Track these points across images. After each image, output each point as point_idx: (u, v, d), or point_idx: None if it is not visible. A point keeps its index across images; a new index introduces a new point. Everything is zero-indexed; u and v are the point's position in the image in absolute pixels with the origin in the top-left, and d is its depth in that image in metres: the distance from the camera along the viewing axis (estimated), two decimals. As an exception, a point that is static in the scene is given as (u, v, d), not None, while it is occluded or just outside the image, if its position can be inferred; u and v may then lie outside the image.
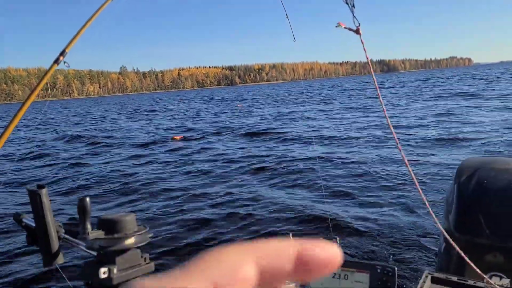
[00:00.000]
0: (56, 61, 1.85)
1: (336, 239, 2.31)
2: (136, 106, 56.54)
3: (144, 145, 14.79)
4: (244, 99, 49.69)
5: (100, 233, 1.20)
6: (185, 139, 15.80)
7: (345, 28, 1.73)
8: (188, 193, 7.37)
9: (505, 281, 1.86)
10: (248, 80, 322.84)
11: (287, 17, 2.95)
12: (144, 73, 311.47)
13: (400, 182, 7.01)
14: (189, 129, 19.19)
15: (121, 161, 11.83)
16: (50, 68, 1.87)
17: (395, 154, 8.86)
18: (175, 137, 16.19)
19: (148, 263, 1.41)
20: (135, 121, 27.92)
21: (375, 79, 2.03)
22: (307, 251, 0.25)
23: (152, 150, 13.69)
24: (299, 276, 0.25)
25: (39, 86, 1.85)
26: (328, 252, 0.25)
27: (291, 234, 2.45)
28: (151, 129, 20.74)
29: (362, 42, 1.81)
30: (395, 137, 1.97)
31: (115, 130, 21.71)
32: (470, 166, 2.07)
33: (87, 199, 1.36)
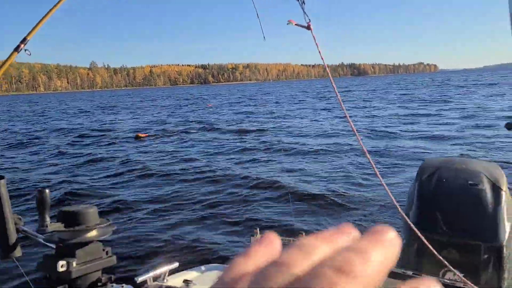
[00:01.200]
0: (17, 49, 1.78)
1: (303, 234, 2.36)
2: (103, 102, 55.20)
3: (110, 144, 14.49)
4: (216, 98, 49.62)
5: (59, 226, 1.18)
6: (151, 136, 15.60)
7: (296, 25, 1.73)
8: (155, 189, 7.30)
9: (459, 276, 1.94)
10: (221, 79, 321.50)
11: (258, 16, 2.96)
12: (115, 69, 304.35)
13: (364, 177, 7.23)
14: (158, 126, 18.97)
15: (78, 157, 11.52)
16: (9, 56, 1.79)
17: (359, 154, 9.11)
18: (140, 134, 15.90)
19: (110, 256, 1.38)
20: (98, 117, 27.33)
21: (332, 79, 2.09)
22: None
23: (115, 147, 13.43)
24: None
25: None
26: None
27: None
28: (116, 126, 20.38)
29: (313, 38, 1.82)
30: (357, 135, 2.03)
31: (79, 126, 21.13)
32: (431, 165, 2.16)
33: (46, 190, 1.32)
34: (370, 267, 0.19)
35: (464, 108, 19.71)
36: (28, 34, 1.79)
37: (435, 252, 1.81)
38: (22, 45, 1.78)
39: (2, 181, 1.30)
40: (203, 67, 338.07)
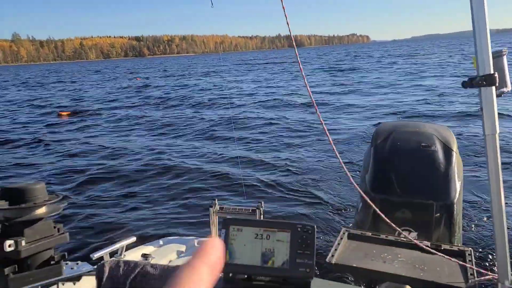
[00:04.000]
0: None
1: (261, 203, 2.33)
2: (25, 77, 50.84)
3: (29, 122, 13.39)
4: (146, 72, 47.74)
5: (3, 203, 1.03)
6: (73, 114, 14.52)
7: None
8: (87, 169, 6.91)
9: (413, 234, 2.02)
10: (157, 52, 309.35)
11: (204, -21, 2.77)
12: (41, 42, 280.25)
13: (319, 147, 7.39)
14: (78, 104, 17.84)
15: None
16: None
17: (315, 120, 9.31)
18: (61, 112, 14.75)
19: (62, 233, 1.26)
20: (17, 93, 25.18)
21: (297, 53, 2.01)
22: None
23: (36, 127, 12.46)
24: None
25: None
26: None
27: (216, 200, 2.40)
28: (36, 103, 18.89)
29: (283, 8, 1.76)
30: (314, 103, 1.99)
31: None
32: (385, 130, 2.19)
33: (-16, 168, 1.13)
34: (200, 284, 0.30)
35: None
36: None
37: (384, 217, 1.85)
38: None
39: None
40: (137, 39, 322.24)
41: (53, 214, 1.12)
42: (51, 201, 1.08)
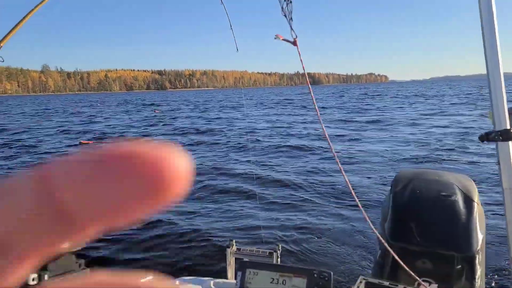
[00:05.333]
0: None
1: (278, 246, 2.32)
2: (52, 107, 52.71)
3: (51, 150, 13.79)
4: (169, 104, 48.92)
5: None
6: (96, 143, 14.94)
7: (283, 40, 1.75)
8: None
9: (433, 286, 1.97)
10: (178, 86, 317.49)
11: (231, 27, 2.92)
12: (68, 73, 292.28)
13: (337, 192, 7.29)
14: (101, 134, 18.34)
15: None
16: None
17: (331, 164, 9.25)
18: (83, 141, 15.23)
19: (83, 269, 1.28)
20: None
21: (311, 89, 2.07)
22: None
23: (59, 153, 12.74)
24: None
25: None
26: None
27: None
28: (58, 132, 19.47)
29: (299, 54, 1.85)
30: (331, 145, 2.02)
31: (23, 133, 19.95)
32: (405, 177, 2.19)
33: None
34: None
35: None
36: (1, 40, 1.65)
37: (404, 266, 1.82)
38: (-4, 52, 1.65)
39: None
40: (159, 73, 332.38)
41: (76, 249, 1.15)
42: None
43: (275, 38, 1.57)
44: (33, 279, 1.03)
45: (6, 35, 1.72)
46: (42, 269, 1.07)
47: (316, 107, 2.00)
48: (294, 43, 1.57)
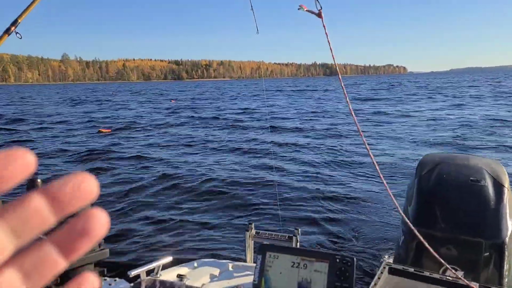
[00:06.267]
0: (7, 32, 1.63)
1: (298, 230, 2.28)
2: (75, 95, 53.62)
3: (71, 137, 14.01)
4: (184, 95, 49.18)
5: None
6: (113, 132, 15.11)
7: (307, 11, 1.66)
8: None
9: (460, 273, 1.91)
10: (195, 76, 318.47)
11: (252, 8, 2.85)
12: (87, 62, 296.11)
13: (363, 174, 7.24)
14: (119, 122, 18.52)
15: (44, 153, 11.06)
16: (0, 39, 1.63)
17: (360, 147, 9.19)
18: (102, 130, 15.42)
19: (103, 249, 1.28)
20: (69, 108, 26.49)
21: (340, 78, 2.01)
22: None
23: (76, 141, 12.99)
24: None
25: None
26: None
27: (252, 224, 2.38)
28: (79, 120, 19.76)
29: (324, 27, 1.76)
30: (360, 130, 1.96)
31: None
32: (431, 161, 2.12)
33: (38, 180, 1.18)
34: None
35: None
36: (20, 16, 1.64)
37: (432, 251, 1.77)
38: (13, 28, 1.63)
39: None
40: (177, 63, 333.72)
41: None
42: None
43: (298, 9, 1.50)
44: None
45: (24, 11, 1.70)
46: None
47: (346, 95, 1.94)
48: (319, 14, 1.50)
